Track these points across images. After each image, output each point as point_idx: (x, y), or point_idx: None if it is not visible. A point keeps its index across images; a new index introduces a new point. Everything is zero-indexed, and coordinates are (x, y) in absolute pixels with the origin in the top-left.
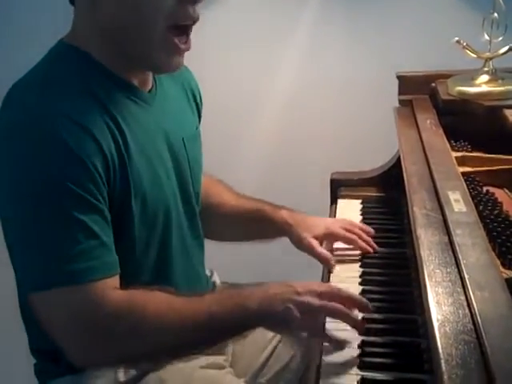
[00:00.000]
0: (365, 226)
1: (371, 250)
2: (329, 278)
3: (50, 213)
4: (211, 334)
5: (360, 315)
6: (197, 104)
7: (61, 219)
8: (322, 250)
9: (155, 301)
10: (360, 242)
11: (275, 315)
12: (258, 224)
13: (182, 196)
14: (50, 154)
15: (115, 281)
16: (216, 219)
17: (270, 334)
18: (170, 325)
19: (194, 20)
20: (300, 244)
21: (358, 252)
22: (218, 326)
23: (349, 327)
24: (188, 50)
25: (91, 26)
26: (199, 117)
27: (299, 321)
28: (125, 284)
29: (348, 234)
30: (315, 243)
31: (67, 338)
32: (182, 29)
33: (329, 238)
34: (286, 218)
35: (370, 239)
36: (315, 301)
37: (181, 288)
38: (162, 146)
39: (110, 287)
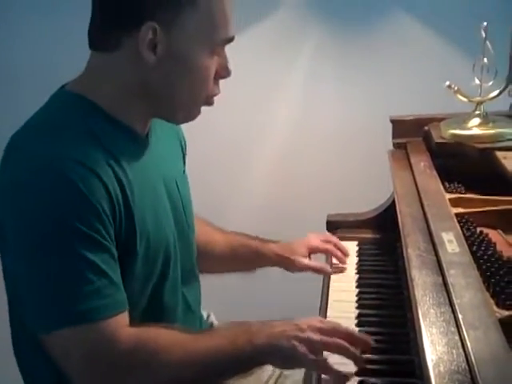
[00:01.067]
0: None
1: (341, 255)
2: (325, 318)
3: (61, 253)
4: (221, 369)
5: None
6: (182, 151)
7: (72, 259)
8: (313, 262)
9: (166, 337)
10: (336, 252)
11: (282, 352)
12: (249, 259)
13: (179, 234)
14: (59, 195)
15: (126, 318)
16: (207, 257)
17: (270, 367)
18: (181, 361)
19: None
20: (293, 267)
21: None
22: (227, 361)
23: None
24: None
25: (123, 81)
26: (184, 160)
27: (307, 357)
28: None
29: (326, 246)
30: (305, 260)
31: (83, 375)
32: (210, 101)
33: (312, 252)
34: (275, 250)
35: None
36: (318, 337)
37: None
38: (159, 186)
39: (122, 324)
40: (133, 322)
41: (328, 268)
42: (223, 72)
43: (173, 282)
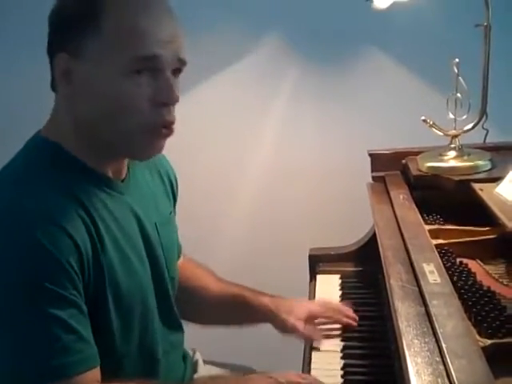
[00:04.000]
0: (344, 308)
1: (352, 322)
2: (310, 356)
3: (28, 312)
4: None
5: None
6: (173, 190)
7: (39, 317)
8: (306, 328)
9: None
10: (341, 318)
11: None
12: (239, 310)
13: (156, 280)
14: (25, 254)
15: (96, 373)
16: (197, 303)
17: None
18: None
19: (169, 124)
20: (284, 328)
21: (338, 326)
22: None
23: None
24: (170, 135)
25: (68, 116)
26: (174, 201)
27: None
28: (110, 374)
29: (328, 313)
30: (298, 324)
31: None
32: (158, 130)
33: (310, 319)
34: (268, 305)
35: (349, 313)
36: None
37: (163, 371)
38: (134, 234)
39: (92, 380)
40: (118, 368)
41: (318, 336)
42: (162, 98)
43: (158, 329)
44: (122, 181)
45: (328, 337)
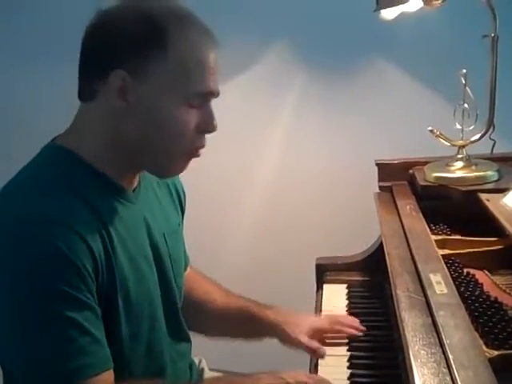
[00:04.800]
0: (350, 320)
1: (359, 333)
2: (317, 363)
3: (44, 314)
4: None
5: None
6: (180, 201)
7: (55, 320)
8: (311, 341)
9: None
10: (347, 329)
11: None
12: (245, 324)
13: (163, 290)
14: (42, 258)
15: (110, 375)
16: (204, 316)
17: None
18: None
19: (202, 147)
20: (288, 341)
21: (344, 335)
22: None
23: None
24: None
25: (100, 129)
26: (182, 213)
27: None
28: (117, 379)
29: (334, 327)
30: (303, 337)
31: None
32: (192, 153)
33: (316, 334)
34: (274, 319)
35: (356, 325)
36: None
37: (169, 379)
38: (144, 242)
39: (106, 382)
40: (125, 374)
41: (323, 351)
42: (206, 127)
43: (165, 337)
44: (133, 190)
45: (334, 344)
